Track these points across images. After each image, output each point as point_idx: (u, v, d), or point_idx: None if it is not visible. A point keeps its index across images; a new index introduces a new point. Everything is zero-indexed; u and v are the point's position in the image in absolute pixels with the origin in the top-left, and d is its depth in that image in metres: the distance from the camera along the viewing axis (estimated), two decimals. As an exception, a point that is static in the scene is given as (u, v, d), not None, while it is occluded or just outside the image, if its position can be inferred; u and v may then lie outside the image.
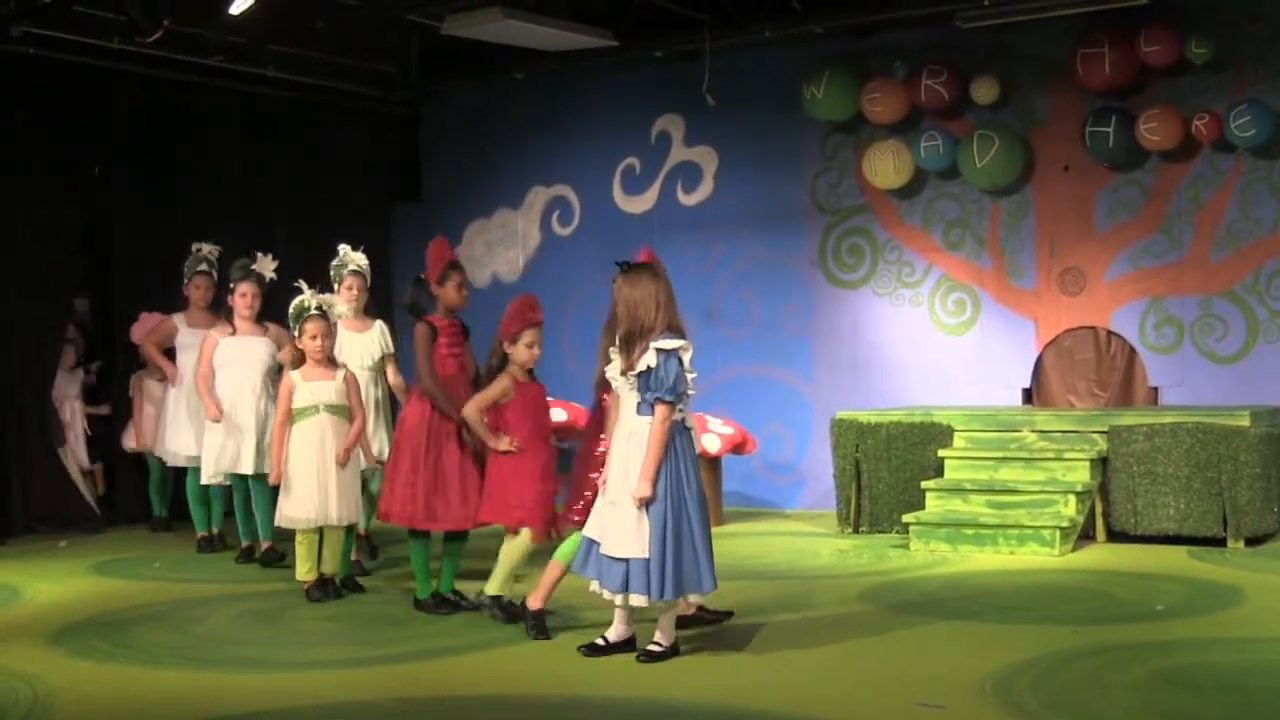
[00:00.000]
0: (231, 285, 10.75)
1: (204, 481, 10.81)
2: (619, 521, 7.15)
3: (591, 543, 7.30)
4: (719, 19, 13.03)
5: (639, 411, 7.18)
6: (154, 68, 12.77)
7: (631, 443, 7.18)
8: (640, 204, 14.44)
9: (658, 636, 7.29)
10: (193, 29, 12.27)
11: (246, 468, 10.52)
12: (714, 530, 11.76)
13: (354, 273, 10.17)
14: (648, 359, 7.10)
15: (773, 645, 7.64)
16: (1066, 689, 6.63)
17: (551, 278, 14.29)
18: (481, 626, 8.13)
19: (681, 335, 7.24)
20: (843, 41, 13.04)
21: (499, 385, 8.18)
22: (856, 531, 11.69)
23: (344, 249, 10.23)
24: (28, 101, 12.46)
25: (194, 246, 11.49)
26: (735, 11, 13.03)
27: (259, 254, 10.86)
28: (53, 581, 10.02)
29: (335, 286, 10.07)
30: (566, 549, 7.73)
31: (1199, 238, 12.06)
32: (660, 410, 7.09)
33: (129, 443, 12.61)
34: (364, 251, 10.33)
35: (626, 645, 7.39)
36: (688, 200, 14.23)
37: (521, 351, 8.14)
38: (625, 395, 7.27)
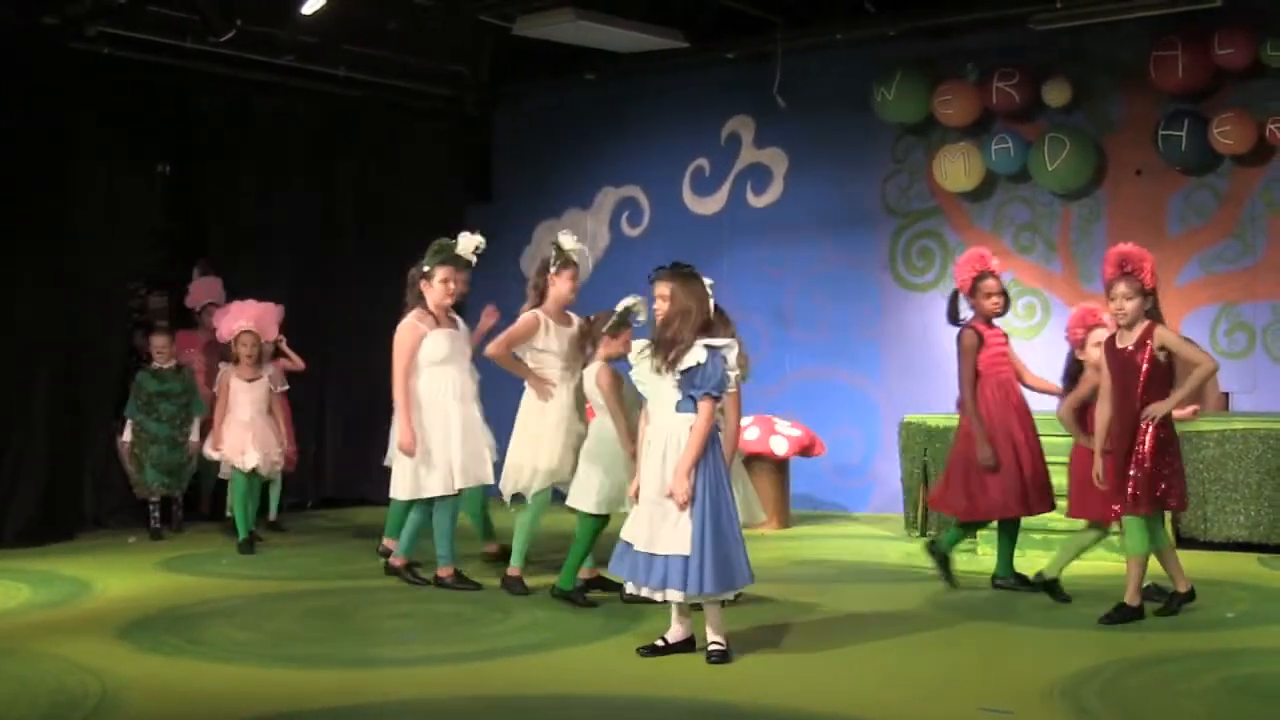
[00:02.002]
0: (427, 270, 9.50)
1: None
2: (661, 519, 7.21)
3: (626, 544, 7.35)
4: (790, 20, 13.05)
5: (679, 409, 7.25)
6: (227, 67, 12.91)
7: (671, 440, 7.24)
8: (710, 205, 14.48)
9: (714, 636, 7.32)
10: (265, 28, 12.40)
11: (487, 478, 9.69)
12: (781, 533, 11.90)
13: (572, 263, 9.38)
14: (695, 355, 7.16)
15: (836, 646, 7.66)
16: (1134, 696, 6.61)
17: (619, 278, 14.31)
18: (550, 625, 8.19)
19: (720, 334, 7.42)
20: (914, 43, 13.02)
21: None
22: (924, 535, 11.66)
23: (564, 237, 9.42)
24: (102, 100, 12.61)
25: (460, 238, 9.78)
26: (806, 13, 13.04)
27: (465, 234, 9.76)
28: (122, 576, 10.14)
29: (543, 278, 9.31)
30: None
31: (1272, 243, 11.96)
32: (705, 406, 7.16)
33: (209, 450, 11.74)
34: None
35: (685, 645, 7.43)
36: (757, 202, 14.25)
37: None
38: (659, 394, 7.33)
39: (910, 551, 10.96)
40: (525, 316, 9.23)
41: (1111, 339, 8.25)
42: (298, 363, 12.17)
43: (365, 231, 14.32)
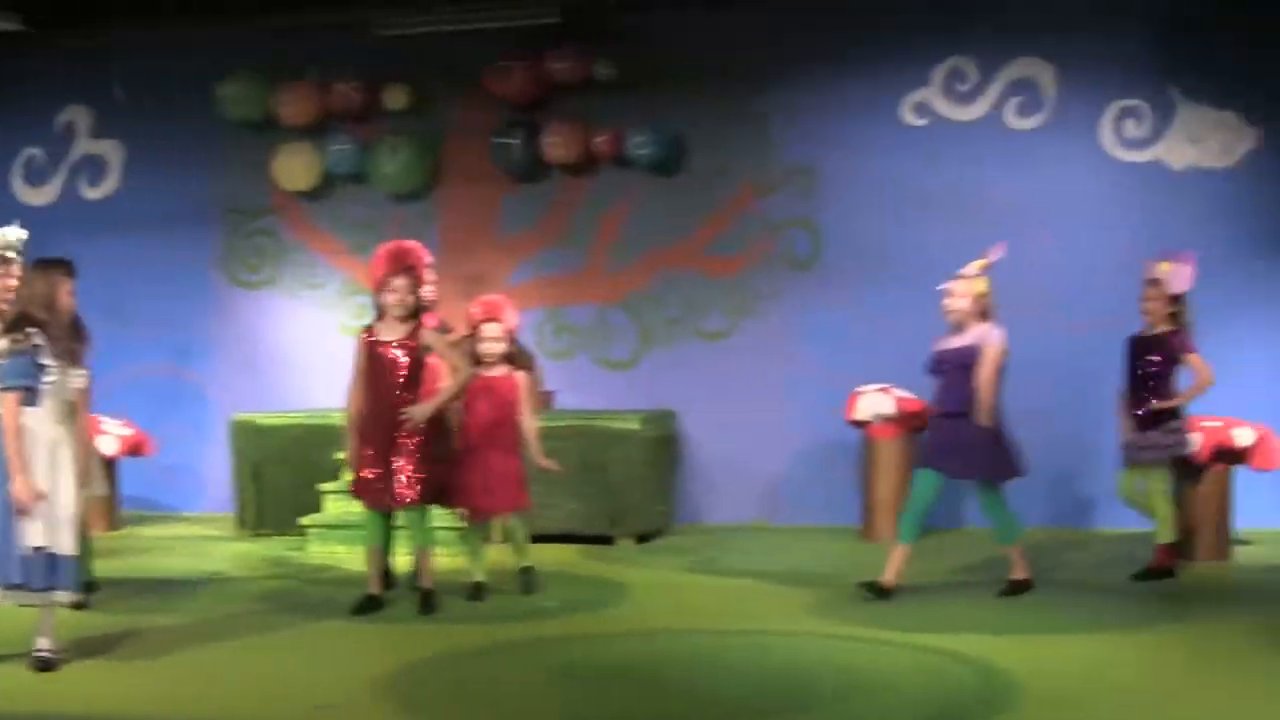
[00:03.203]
0: None
1: None
2: None
3: None
4: (131, 11, 12.55)
5: None
6: None
7: None
8: (42, 196, 13.78)
9: (43, 641, 6.98)
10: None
11: None
12: (111, 535, 11.47)
13: None
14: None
15: (162, 650, 7.45)
16: (462, 685, 6.80)
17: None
18: None
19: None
20: (257, 42, 12.86)
21: None
22: (257, 534, 11.55)
23: None
24: None
25: None
26: (149, 5, 12.56)
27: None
28: None
29: None
30: None
31: (596, 250, 12.57)
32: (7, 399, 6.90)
33: None
34: None
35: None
36: (93, 194, 13.71)
37: None
38: None
39: (241, 551, 10.84)
40: None
41: (371, 331, 8.49)
42: None
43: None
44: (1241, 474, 10.25)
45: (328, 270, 13.11)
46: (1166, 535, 9.48)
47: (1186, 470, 9.92)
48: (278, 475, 11.56)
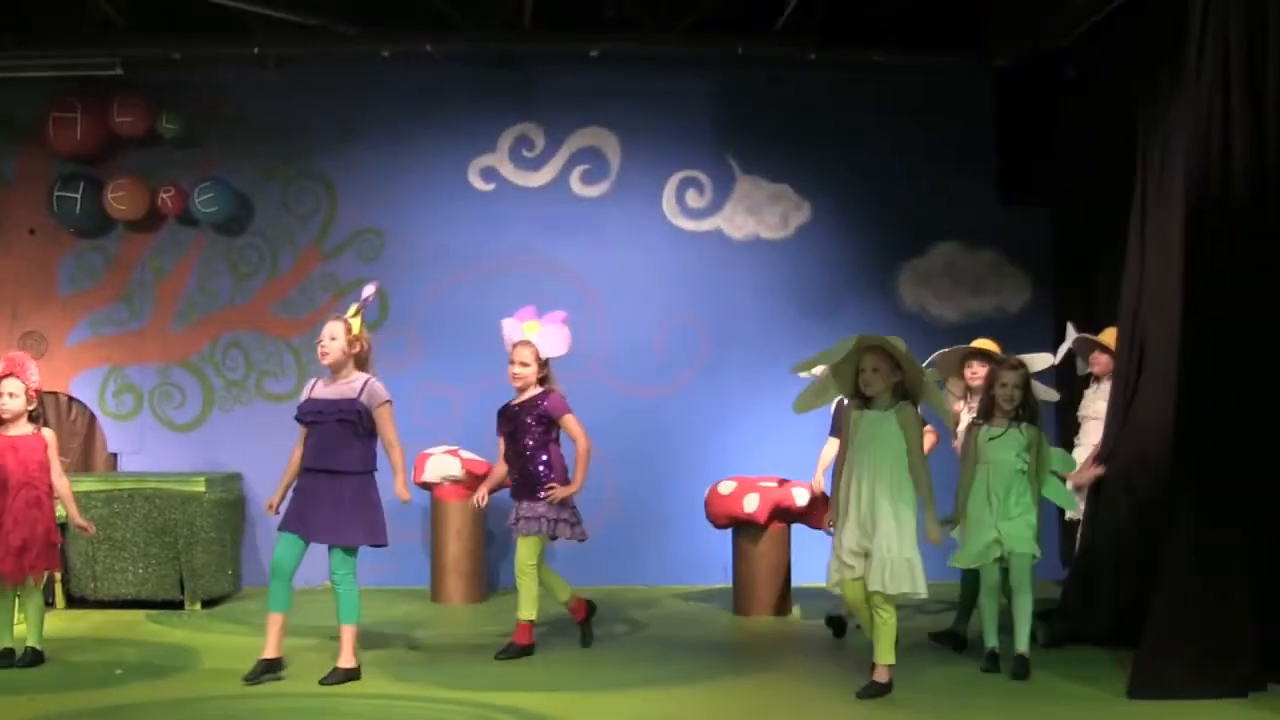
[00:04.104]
0: None
1: None
2: None
3: None
4: None
5: None
6: None
7: None
8: None
9: None
10: None
11: None
12: None
13: None
14: None
15: None
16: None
17: None
18: None
19: None
20: None
21: None
22: None
23: None
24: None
25: None
26: None
27: None
28: None
29: None
30: None
31: (159, 307, 12.35)
32: None
33: None
34: None
35: None
36: None
37: None
38: None
39: None
40: None
41: None
42: None
43: None
44: (798, 531, 10.80)
45: None
46: (527, 612, 8.97)
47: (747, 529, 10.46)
48: None
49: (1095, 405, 10.06)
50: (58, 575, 10.60)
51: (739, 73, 12.34)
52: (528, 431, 8.92)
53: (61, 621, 10.29)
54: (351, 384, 8.18)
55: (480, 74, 12.36)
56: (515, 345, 8.99)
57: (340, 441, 8.09)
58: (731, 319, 12.42)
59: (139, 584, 10.78)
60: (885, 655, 7.68)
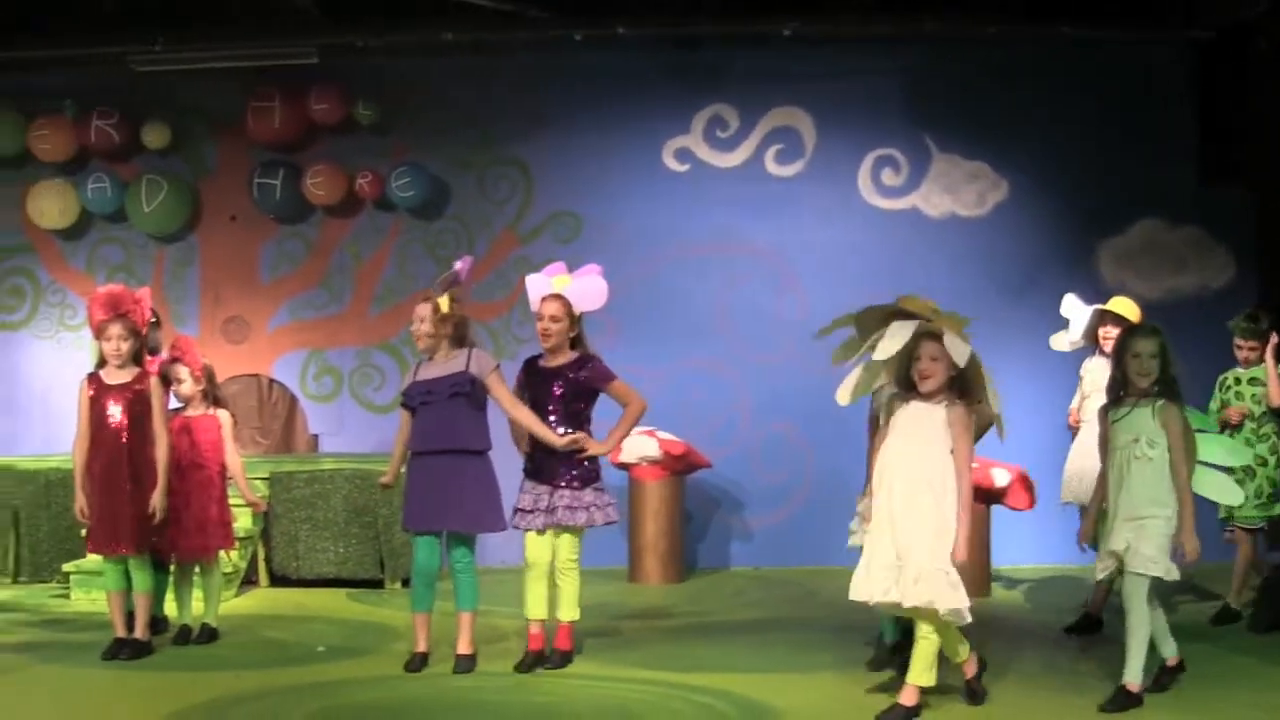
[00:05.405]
0: None
1: None
2: None
3: None
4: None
5: None
6: None
7: None
8: None
9: None
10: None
11: None
12: None
13: None
14: None
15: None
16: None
17: None
18: None
19: None
20: (8, 75, 12.50)
21: None
22: (16, 581, 11.17)
23: None
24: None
25: None
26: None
27: None
28: None
29: None
30: None
31: (357, 292, 12.54)
32: None
33: None
34: None
35: None
36: None
37: None
38: None
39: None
40: None
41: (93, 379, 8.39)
42: None
43: None
44: (998, 513, 10.63)
45: (87, 311, 12.75)
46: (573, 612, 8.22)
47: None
48: (37, 521, 11.19)
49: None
50: (261, 554, 10.84)
51: (929, 49, 12.14)
52: (555, 400, 7.99)
53: (265, 600, 10.51)
54: (456, 359, 7.90)
55: (672, 55, 12.31)
56: (544, 299, 8.04)
57: (458, 416, 7.80)
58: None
59: (339, 563, 10.94)
60: (918, 675, 6.79)
